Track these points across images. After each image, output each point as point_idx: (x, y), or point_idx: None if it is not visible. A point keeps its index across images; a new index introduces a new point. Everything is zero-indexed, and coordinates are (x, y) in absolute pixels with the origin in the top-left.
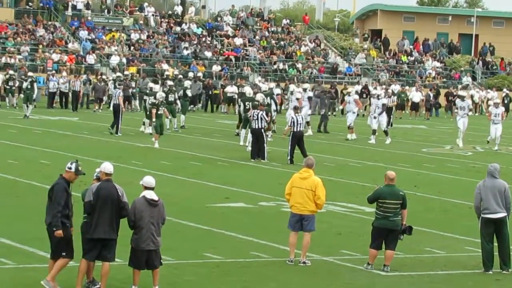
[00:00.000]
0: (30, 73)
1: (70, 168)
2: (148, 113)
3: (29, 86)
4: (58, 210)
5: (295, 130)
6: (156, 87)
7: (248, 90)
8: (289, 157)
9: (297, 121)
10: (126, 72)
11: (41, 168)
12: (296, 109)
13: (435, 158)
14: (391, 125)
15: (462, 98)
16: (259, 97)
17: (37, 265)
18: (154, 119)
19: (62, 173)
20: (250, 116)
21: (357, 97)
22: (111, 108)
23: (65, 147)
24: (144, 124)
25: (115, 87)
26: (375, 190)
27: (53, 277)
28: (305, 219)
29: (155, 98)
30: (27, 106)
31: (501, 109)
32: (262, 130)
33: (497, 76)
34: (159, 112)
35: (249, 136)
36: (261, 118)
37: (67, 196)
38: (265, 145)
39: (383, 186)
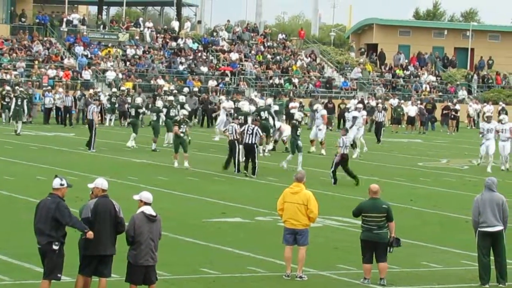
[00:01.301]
0: (21, 89)
1: (63, 185)
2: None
3: (19, 103)
4: (75, 218)
5: (343, 152)
6: (159, 103)
7: (244, 105)
8: (333, 180)
9: (345, 143)
10: (122, 88)
11: (38, 184)
12: (346, 131)
13: (431, 172)
14: (379, 141)
15: (489, 119)
16: (298, 116)
17: (34, 281)
18: (185, 137)
19: (52, 192)
20: (243, 130)
21: (324, 112)
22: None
23: (61, 163)
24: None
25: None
26: (359, 204)
27: None
28: (298, 233)
29: (155, 114)
30: (16, 123)
31: (509, 124)
32: (255, 146)
33: (493, 90)
34: (181, 130)
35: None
36: (255, 134)
37: None
38: (256, 160)
39: (367, 200)
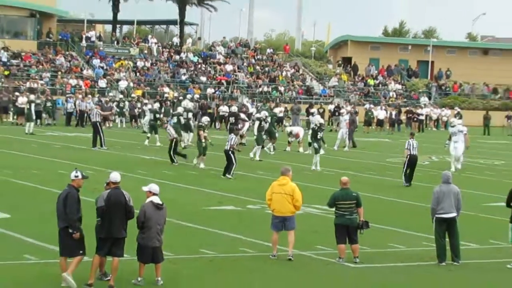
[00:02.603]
0: (32, 96)
1: (77, 176)
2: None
3: (28, 107)
4: (76, 216)
5: (411, 153)
6: (180, 108)
7: (235, 110)
8: (404, 180)
9: (413, 145)
10: (133, 95)
11: (60, 178)
12: (412, 135)
13: (397, 166)
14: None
15: (452, 124)
16: (316, 120)
17: (57, 260)
18: (203, 141)
19: (69, 183)
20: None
21: (297, 130)
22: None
23: (81, 159)
24: (148, 139)
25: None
26: (332, 194)
27: (72, 271)
28: (287, 219)
29: (176, 117)
30: (28, 124)
31: (465, 129)
32: (230, 152)
33: (450, 97)
34: (204, 134)
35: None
36: (231, 140)
37: (78, 203)
38: (234, 163)
39: (338, 190)
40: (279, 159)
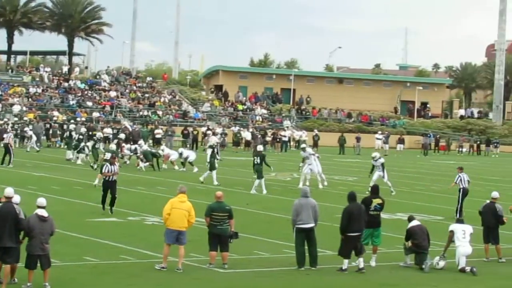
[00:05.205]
0: None
1: None
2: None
3: None
4: None
5: (463, 187)
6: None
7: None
8: (457, 214)
9: (464, 179)
10: (25, 118)
11: None
12: (461, 169)
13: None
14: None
15: (303, 149)
16: (259, 148)
17: None
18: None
19: None
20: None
21: (167, 152)
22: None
23: None
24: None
25: (8, 131)
26: (208, 206)
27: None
28: (181, 234)
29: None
30: None
31: (312, 154)
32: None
33: (309, 120)
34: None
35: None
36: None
37: None
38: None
39: (214, 202)
40: (155, 176)
